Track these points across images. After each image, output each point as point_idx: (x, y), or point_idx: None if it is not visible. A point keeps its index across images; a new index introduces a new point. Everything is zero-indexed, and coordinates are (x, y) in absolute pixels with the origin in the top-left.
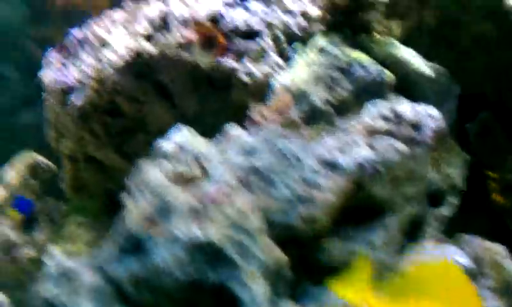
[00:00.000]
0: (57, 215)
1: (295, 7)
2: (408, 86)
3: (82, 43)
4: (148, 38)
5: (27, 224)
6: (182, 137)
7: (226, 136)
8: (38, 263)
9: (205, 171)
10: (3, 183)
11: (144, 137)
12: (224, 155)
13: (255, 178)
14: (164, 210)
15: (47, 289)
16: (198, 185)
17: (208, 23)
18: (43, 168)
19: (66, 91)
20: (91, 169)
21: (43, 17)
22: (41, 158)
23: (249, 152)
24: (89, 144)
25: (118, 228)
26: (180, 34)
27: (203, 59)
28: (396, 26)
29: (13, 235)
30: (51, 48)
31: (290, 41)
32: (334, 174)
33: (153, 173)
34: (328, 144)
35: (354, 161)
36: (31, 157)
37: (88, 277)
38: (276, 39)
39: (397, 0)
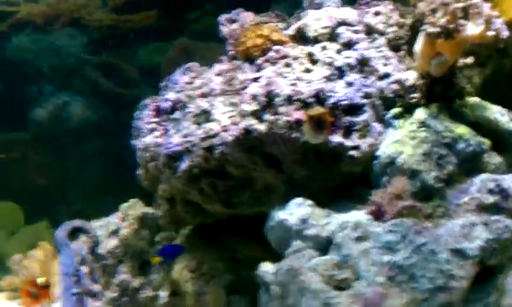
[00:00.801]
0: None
1: (388, 69)
2: (501, 143)
3: (179, 108)
4: (255, 114)
5: (145, 269)
6: (303, 211)
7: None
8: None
9: (350, 266)
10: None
11: (250, 193)
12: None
13: (398, 273)
14: None
15: None
16: (353, 287)
17: (315, 105)
18: (151, 218)
19: (172, 155)
20: (189, 209)
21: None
22: (147, 209)
23: (390, 249)
24: (195, 198)
25: None
26: (288, 114)
27: (314, 140)
28: (476, 74)
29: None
30: (144, 109)
31: (387, 106)
32: (463, 261)
33: (310, 277)
34: (453, 231)
35: (477, 246)
36: (138, 207)
37: None
38: (375, 107)
39: (478, 51)
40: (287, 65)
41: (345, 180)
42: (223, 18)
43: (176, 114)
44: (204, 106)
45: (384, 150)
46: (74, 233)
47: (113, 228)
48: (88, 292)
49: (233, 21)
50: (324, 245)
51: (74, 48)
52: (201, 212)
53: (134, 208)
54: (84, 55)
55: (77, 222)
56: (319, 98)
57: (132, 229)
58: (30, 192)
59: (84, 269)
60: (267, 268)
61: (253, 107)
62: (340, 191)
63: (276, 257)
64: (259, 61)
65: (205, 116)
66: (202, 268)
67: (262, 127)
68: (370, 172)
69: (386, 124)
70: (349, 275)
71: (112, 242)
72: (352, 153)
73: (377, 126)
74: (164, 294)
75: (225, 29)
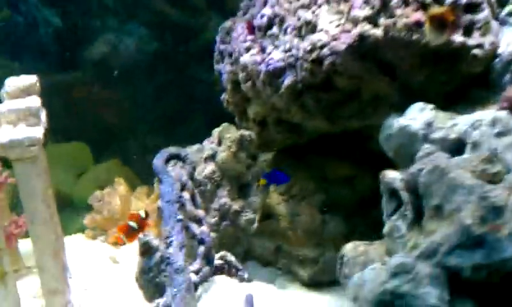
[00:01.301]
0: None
1: None
2: None
3: (277, 22)
4: (369, 19)
5: (244, 191)
6: (427, 115)
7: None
8: (252, 223)
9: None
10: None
11: (355, 106)
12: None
13: None
14: (494, 210)
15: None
16: (505, 179)
17: (434, 4)
18: (248, 140)
19: (273, 72)
20: (281, 129)
21: None
22: (243, 131)
23: None
24: (294, 116)
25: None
26: (406, 16)
27: (436, 41)
28: None
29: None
30: (238, 26)
31: (501, 3)
32: None
33: (461, 173)
34: None
35: None
36: (233, 130)
37: (424, 268)
38: (491, 4)
39: None
40: None
41: (461, 83)
42: None
43: (274, 30)
44: (308, 17)
45: (506, 48)
46: (169, 160)
47: (209, 152)
48: (193, 218)
49: None
50: (454, 146)
51: None
52: (295, 132)
53: (229, 131)
54: None
55: (172, 149)
56: None
57: (230, 153)
58: (99, 131)
59: (186, 195)
60: (393, 175)
61: (366, 12)
62: (456, 96)
63: (370, 173)
64: None
65: (309, 27)
66: (292, 190)
67: (378, 32)
68: (490, 71)
69: (501, 22)
70: (500, 169)
71: (210, 167)
72: (476, 51)
73: (496, 25)
74: (256, 217)
75: None
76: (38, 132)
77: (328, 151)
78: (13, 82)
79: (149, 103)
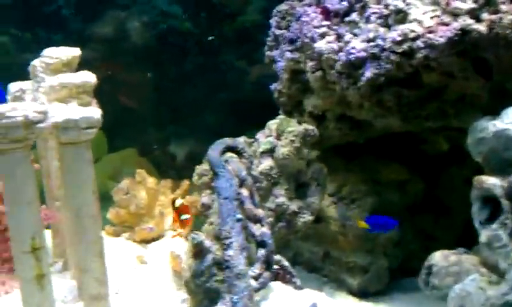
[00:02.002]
0: (323, 177)
1: None
2: None
3: (358, 9)
4: (472, 13)
5: (302, 191)
6: None
7: None
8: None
9: None
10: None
11: (437, 105)
12: None
13: None
14: None
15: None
16: None
17: None
18: (311, 135)
19: (353, 62)
20: (341, 126)
21: None
22: (306, 125)
23: None
24: (366, 112)
25: None
26: None
27: None
28: None
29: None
30: (309, 10)
31: None
32: None
33: None
34: None
35: None
36: (294, 124)
37: None
38: None
39: None
40: None
41: None
42: None
43: (353, 16)
44: (399, 5)
45: None
46: (225, 153)
47: (266, 146)
48: (252, 217)
49: None
50: None
51: None
52: (357, 129)
53: (289, 124)
54: None
55: (229, 141)
56: None
57: (292, 148)
58: (116, 116)
59: (245, 192)
60: (492, 181)
61: (468, 5)
62: None
63: (421, 178)
64: None
65: (398, 16)
66: (343, 191)
67: (481, 28)
68: None
69: None
70: None
71: (267, 163)
72: None
73: None
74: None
75: None
76: (97, 112)
77: (380, 153)
78: (55, 53)
79: (174, 88)
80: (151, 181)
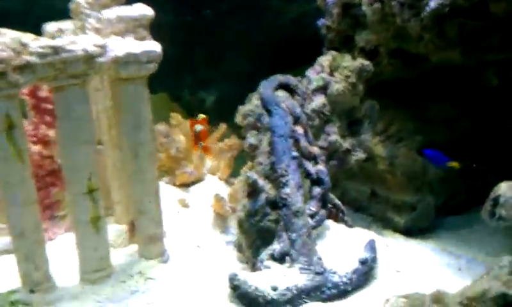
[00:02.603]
0: (375, 114)
1: None
2: None
3: None
4: None
5: (356, 128)
6: None
7: None
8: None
9: None
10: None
11: (499, 36)
12: None
13: None
14: None
15: None
16: None
17: None
18: (367, 70)
19: None
20: (394, 61)
21: None
22: (362, 60)
23: None
24: (428, 44)
25: None
26: None
27: None
28: None
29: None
30: None
31: None
32: None
33: None
34: None
35: None
36: (348, 59)
37: None
38: None
39: None
40: None
41: None
42: None
43: None
44: None
45: None
46: (277, 90)
47: (319, 83)
48: (308, 155)
49: None
50: None
51: None
52: (411, 65)
53: (343, 60)
54: None
55: (281, 78)
56: None
57: (348, 84)
58: None
59: (299, 129)
60: None
61: None
62: None
63: (469, 115)
64: None
65: None
66: (390, 130)
67: None
68: None
69: None
70: None
71: (319, 100)
72: None
73: None
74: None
75: None
76: (157, 46)
77: (429, 89)
78: None
79: (209, 31)
80: (186, 125)
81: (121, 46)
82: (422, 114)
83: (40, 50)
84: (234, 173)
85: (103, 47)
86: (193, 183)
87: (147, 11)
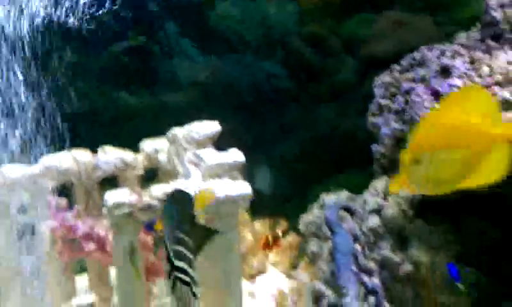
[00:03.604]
0: (422, 234)
1: None
2: None
3: None
4: None
5: (403, 244)
6: None
7: None
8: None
9: None
10: None
11: None
12: None
13: None
14: None
15: None
16: None
17: None
18: (416, 198)
19: None
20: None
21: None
22: None
23: None
24: None
25: None
26: None
27: None
28: None
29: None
30: (422, 93)
31: None
32: None
33: None
34: None
35: None
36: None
37: None
38: None
39: None
40: None
41: None
42: (493, 1)
43: None
44: (506, 95)
45: None
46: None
47: (374, 206)
48: (365, 270)
49: (503, 5)
50: None
51: (281, 18)
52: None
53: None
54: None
55: (343, 202)
56: None
57: (399, 210)
58: None
59: (358, 247)
60: None
61: None
62: None
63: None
64: None
65: (505, 105)
66: (432, 240)
67: None
68: None
69: None
70: None
71: (374, 220)
72: None
73: None
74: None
75: (497, 14)
76: (248, 187)
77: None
78: (201, 129)
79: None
80: (257, 223)
81: (221, 189)
82: (461, 227)
83: (160, 196)
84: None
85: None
86: (257, 274)
87: (240, 157)
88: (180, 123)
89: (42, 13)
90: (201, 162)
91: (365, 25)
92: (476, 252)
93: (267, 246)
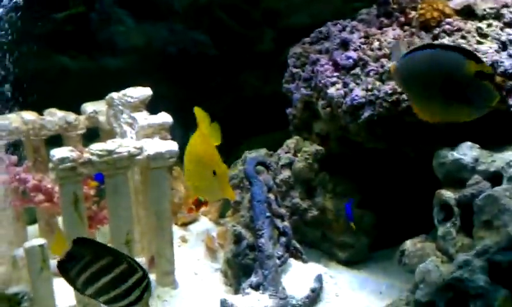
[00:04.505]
0: (327, 184)
1: None
2: None
3: (361, 65)
4: None
5: (312, 193)
6: (475, 152)
7: None
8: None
9: None
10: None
11: (412, 135)
12: None
13: None
14: None
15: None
16: None
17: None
18: (320, 153)
19: (356, 105)
20: (339, 144)
21: None
22: (316, 146)
23: None
24: (363, 138)
25: None
26: None
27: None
28: None
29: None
30: (325, 64)
31: None
32: None
33: (508, 201)
34: None
35: None
36: (307, 144)
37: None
38: None
39: None
40: (463, 37)
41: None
42: None
43: (357, 70)
44: (390, 66)
45: None
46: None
47: (286, 161)
48: (277, 215)
49: None
50: (491, 177)
51: None
52: (351, 147)
53: (304, 145)
54: None
55: (260, 158)
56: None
57: (307, 163)
58: None
59: (272, 196)
60: (449, 194)
61: None
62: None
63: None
64: (436, 31)
65: (389, 74)
66: (336, 190)
67: None
68: None
69: None
70: None
71: (286, 173)
72: None
73: None
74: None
75: None
76: (175, 145)
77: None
78: (134, 93)
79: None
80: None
81: (152, 146)
82: (360, 178)
83: (99, 152)
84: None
85: (140, 148)
86: (190, 223)
87: (167, 118)
88: (117, 86)
89: None
90: (134, 123)
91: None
92: (373, 199)
93: (198, 205)
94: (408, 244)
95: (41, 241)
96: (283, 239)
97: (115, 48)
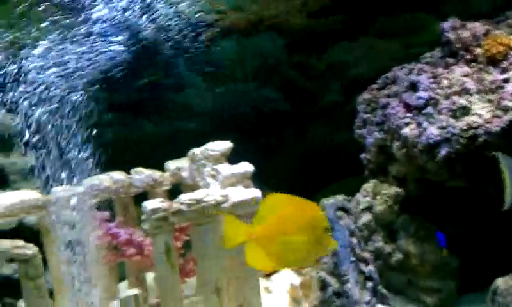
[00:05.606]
0: (409, 227)
1: None
2: None
3: (432, 104)
4: None
5: (393, 236)
6: None
7: None
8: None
9: None
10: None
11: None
12: None
13: None
14: None
15: None
16: None
17: None
18: (401, 195)
19: (432, 143)
20: (418, 186)
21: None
22: (396, 188)
23: None
24: (439, 176)
25: None
26: None
27: None
28: None
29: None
30: (396, 106)
31: None
32: None
33: None
34: None
35: None
36: (385, 187)
37: None
38: None
39: None
40: None
41: None
42: (447, 25)
43: (429, 109)
44: (463, 103)
45: None
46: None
47: (366, 205)
48: (362, 259)
49: (455, 28)
50: None
51: (275, 50)
52: (430, 188)
53: (382, 187)
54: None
55: (339, 203)
56: None
57: (387, 206)
58: None
59: (354, 240)
60: None
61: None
62: None
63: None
64: (503, 64)
65: (463, 111)
66: (419, 234)
67: None
68: None
69: None
70: None
71: (366, 217)
72: None
73: None
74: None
75: (451, 35)
76: (258, 192)
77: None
78: (216, 147)
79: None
80: None
81: (236, 194)
82: (442, 221)
83: (188, 201)
84: None
85: (226, 196)
86: (272, 273)
87: (250, 168)
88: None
89: None
90: (218, 174)
91: (346, 52)
92: (456, 241)
93: None
94: (500, 282)
95: (135, 291)
96: (369, 284)
97: (190, 111)
